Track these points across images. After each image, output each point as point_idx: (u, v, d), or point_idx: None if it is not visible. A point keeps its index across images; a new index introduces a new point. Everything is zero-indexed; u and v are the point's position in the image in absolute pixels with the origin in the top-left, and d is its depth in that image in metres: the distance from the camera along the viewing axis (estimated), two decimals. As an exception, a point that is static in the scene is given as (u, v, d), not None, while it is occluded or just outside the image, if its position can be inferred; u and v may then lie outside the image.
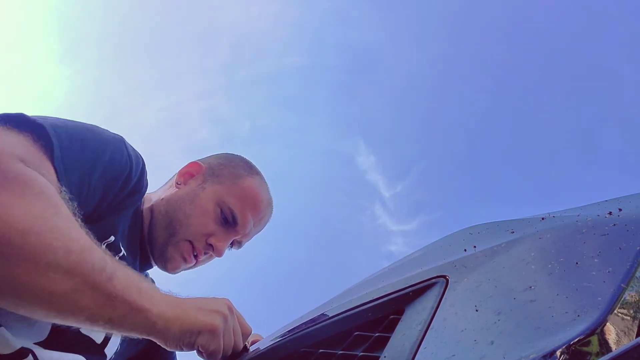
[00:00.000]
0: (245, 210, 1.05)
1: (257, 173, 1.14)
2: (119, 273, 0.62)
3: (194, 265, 1.06)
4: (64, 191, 0.66)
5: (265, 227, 1.16)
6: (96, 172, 0.77)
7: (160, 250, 1.00)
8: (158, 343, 0.67)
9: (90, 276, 0.58)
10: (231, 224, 1.04)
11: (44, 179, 0.62)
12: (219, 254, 1.05)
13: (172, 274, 1.06)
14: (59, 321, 0.61)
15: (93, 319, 0.60)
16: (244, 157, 1.17)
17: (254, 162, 1.17)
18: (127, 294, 0.61)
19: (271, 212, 1.15)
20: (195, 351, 0.71)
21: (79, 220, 0.64)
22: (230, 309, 0.74)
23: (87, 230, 0.64)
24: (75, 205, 0.66)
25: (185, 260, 1.02)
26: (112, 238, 0.88)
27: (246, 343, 0.78)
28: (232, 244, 1.09)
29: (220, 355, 0.71)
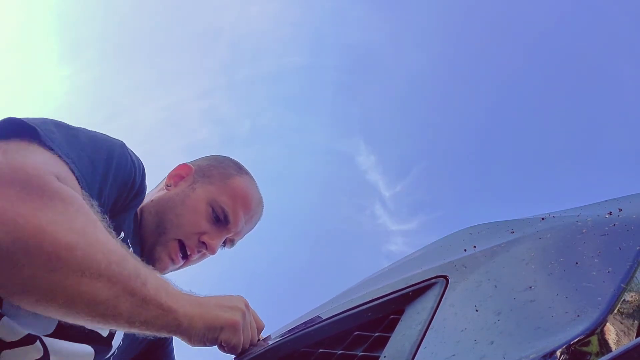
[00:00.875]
0: (236, 209, 1.07)
1: (246, 173, 1.16)
2: (150, 278, 0.67)
3: (184, 264, 1.07)
4: (95, 205, 0.69)
5: (256, 226, 1.18)
6: (108, 181, 0.80)
7: (149, 251, 1.01)
8: (182, 341, 0.72)
9: (128, 283, 0.63)
10: (223, 223, 1.05)
11: (79, 195, 0.66)
12: (213, 252, 1.07)
13: (160, 274, 1.06)
14: (102, 326, 0.66)
15: (130, 321, 0.65)
16: (232, 158, 1.19)
17: (252, 162, 1.19)
18: (158, 296, 0.66)
19: (262, 211, 1.17)
20: (217, 346, 0.75)
21: (112, 232, 0.68)
22: (247, 305, 0.79)
23: (120, 241, 0.68)
24: (107, 218, 0.71)
25: (172, 261, 1.03)
26: (122, 234, 0.91)
27: (259, 337, 0.83)
28: (224, 243, 1.11)
29: (240, 349, 0.76)
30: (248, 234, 1.17)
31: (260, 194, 1.16)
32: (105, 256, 0.62)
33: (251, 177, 1.16)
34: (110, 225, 0.70)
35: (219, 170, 1.11)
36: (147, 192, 1.12)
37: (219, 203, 1.05)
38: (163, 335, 0.70)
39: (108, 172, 0.80)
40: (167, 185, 1.09)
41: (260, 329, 0.83)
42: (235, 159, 1.19)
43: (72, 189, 0.66)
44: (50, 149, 0.70)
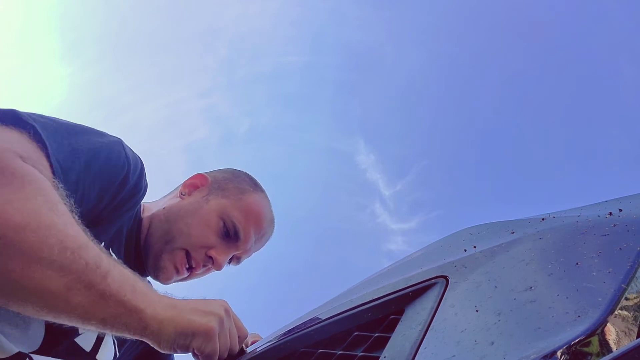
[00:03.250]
0: (248, 226, 1.04)
1: (262, 190, 1.13)
2: (113, 271, 0.62)
3: (189, 277, 1.05)
4: (61, 188, 0.65)
5: (265, 246, 1.15)
6: (91, 172, 0.76)
7: (155, 259, 0.99)
8: (151, 345, 0.66)
9: (84, 274, 0.58)
10: (233, 239, 1.03)
11: (42, 175, 0.62)
12: (219, 268, 1.04)
13: (164, 284, 1.04)
14: (51, 319, 0.60)
15: (85, 318, 0.59)
16: (249, 173, 1.17)
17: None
18: (121, 293, 0.61)
19: (272, 231, 1.14)
20: (191, 354, 0.70)
21: (76, 217, 0.63)
22: (227, 310, 0.73)
23: (84, 227, 0.63)
24: (73, 202, 0.65)
25: (177, 271, 1.00)
26: (114, 242, 0.88)
27: (243, 345, 0.77)
28: (230, 260, 1.08)
29: (216, 358, 0.70)
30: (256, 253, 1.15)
31: (272, 214, 1.13)
32: (60, 241, 0.57)
33: (266, 195, 1.13)
34: (75, 211, 0.64)
35: (235, 184, 1.09)
36: (159, 199, 1.11)
37: (231, 218, 1.02)
38: (128, 336, 0.64)
39: (91, 163, 0.76)
40: (181, 194, 1.07)
41: (242, 337, 0.76)
42: (252, 175, 1.16)
43: (35, 169, 0.62)
44: (22, 130, 0.67)
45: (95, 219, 0.81)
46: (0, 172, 0.57)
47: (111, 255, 0.86)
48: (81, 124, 0.84)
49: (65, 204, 0.62)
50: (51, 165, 0.68)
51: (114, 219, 0.86)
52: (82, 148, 0.76)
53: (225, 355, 0.72)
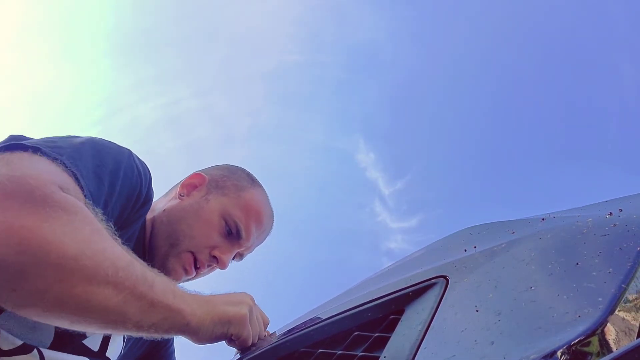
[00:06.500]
0: (249, 223, 1.06)
1: (259, 185, 1.15)
2: (156, 280, 0.68)
3: (195, 277, 1.07)
4: (99, 213, 0.69)
5: (265, 240, 1.18)
6: (114, 194, 0.80)
7: (162, 262, 1.00)
8: (191, 340, 0.73)
9: (136, 287, 0.64)
10: (235, 237, 1.05)
11: (83, 204, 0.66)
12: (224, 267, 1.06)
13: None
14: (111, 332, 0.67)
15: (139, 325, 0.65)
16: (245, 169, 1.19)
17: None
18: (165, 298, 0.67)
19: (272, 225, 1.17)
20: (225, 342, 0.78)
21: (118, 238, 0.68)
22: (253, 300, 0.81)
23: (126, 247, 0.68)
24: (112, 225, 0.71)
25: (186, 271, 1.02)
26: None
27: (266, 331, 0.85)
28: (234, 257, 1.10)
29: (250, 342, 0.78)
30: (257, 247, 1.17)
31: (271, 208, 1.15)
32: (112, 263, 0.62)
33: (263, 190, 1.15)
34: (116, 233, 0.70)
35: (233, 182, 1.10)
36: (156, 199, 1.12)
37: (233, 217, 1.04)
38: (171, 336, 0.70)
39: (114, 186, 0.79)
40: (179, 195, 1.08)
41: (266, 324, 0.85)
42: (248, 170, 1.18)
43: (75, 198, 0.65)
44: (54, 160, 0.70)
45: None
46: (48, 205, 0.61)
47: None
48: (91, 137, 0.85)
49: (106, 228, 0.67)
50: (84, 193, 0.71)
51: (127, 227, 0.88)
52: (102, 171, 0.79)
53: (257, 340, 0.80)
